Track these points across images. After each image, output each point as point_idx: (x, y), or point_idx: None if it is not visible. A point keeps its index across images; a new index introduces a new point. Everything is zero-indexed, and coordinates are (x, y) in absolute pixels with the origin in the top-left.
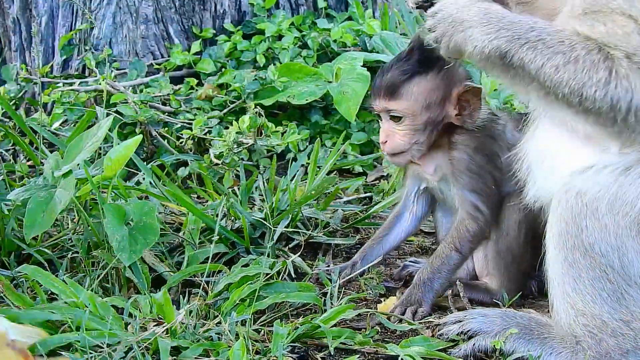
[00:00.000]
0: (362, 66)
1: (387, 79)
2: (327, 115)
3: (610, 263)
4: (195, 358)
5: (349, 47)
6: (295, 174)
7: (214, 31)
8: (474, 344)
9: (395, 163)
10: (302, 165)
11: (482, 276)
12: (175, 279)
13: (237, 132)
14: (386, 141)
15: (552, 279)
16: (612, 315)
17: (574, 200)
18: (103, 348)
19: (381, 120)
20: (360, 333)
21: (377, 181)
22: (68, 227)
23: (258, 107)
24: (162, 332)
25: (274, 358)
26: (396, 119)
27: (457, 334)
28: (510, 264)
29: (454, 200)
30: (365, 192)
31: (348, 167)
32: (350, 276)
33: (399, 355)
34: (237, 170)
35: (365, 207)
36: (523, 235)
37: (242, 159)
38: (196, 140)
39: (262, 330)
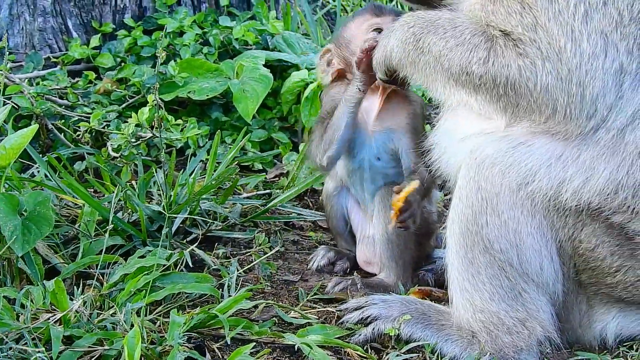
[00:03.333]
0: (264, 65)
1: None
2: (227, 112)
3: (509, 260)
4: (89, 347)
5: (251, 45)
6: (194, 169)
7: (114, 26)
8: (373, 329)
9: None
10: (202, 160)
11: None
12: (69, 270)
13: (136, 125)
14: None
15: (452, 274)
16: (508, 313)
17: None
18: None
19: None
20: (257, 324)
21: (277, 178)
22: None
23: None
24: (55, 321)
25: (170, 347)
26: None
27: (357, 322)
28: (405, 253)
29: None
30: (265, 189)
31: (248, 163)
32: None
33: (296, 345)
34: (136, 165)
35: (264, 201)
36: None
37: (140, 153)
38: (94, 134)
39: (158, 321)
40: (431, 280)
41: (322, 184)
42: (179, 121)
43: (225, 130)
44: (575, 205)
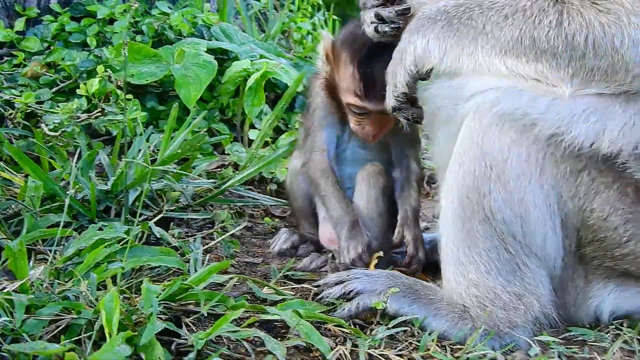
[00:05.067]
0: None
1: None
2: (162, 102)
3: (512, 232)
4: (57, 315)
5: (185, 36)
6: (140, 149)
7: (38, 10)
8: (358, 303)
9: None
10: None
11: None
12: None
13: (76, 108)
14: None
15: (446, 246)
16: (505, 287)
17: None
18: None
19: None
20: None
21: (219, 169)
22: None
23: (109, 70)
24: (15, 288)
25: (144, 317)
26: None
27: (339, 297)
28: (378, 233)
29: None
30: (208, 178)
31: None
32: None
33: (274, 320)
34: (74, 147)
35: (217, 182)
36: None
37: (82, 132)
38: (24, 116)
39: (125, 294)
40: (400, 262)
41: (272, 172)
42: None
43: (161, 120)
44: (604, 158)
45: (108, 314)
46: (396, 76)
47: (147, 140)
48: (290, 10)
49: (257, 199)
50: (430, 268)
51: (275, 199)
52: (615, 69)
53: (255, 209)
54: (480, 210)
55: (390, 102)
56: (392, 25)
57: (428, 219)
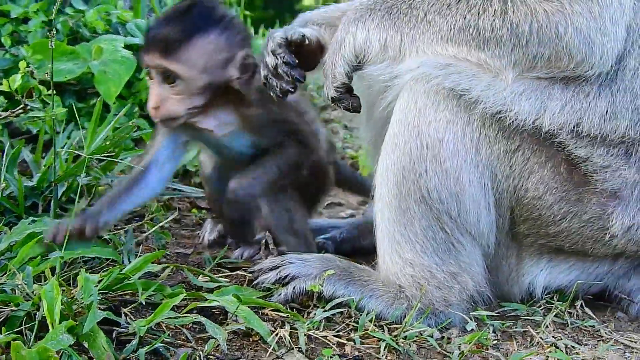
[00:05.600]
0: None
1: (165, 34)
2: (81, 99)
3: (447, 210)
4: None
5: (101, 33)
6: (64, 145)
7: None
8: (294, 287)
9: (166, 127)
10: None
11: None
12: None
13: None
14: (158, 106)
15: (381, 227)
16: (440, 266)
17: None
18: None
19: (151, 79)
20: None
21: None
22: None
23: (31, 65)
24: None
25: (81, 308)
26: (170, 80)
27: (274, 282)
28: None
29: (242, 150)
30: None
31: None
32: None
33: (211, 307)
34: None
35: None
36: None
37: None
38: None
39: (62, 286)
40: (331, 248)
41: (195, 165)
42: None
43: (81, 117)
44: (543, 133)
45: (49, 303)
46: (335, 67)
47: (69, 137)
48: None
49: (184, 191)
50: (359, 252)
51: (201, 190)
52: (559, 56)
53: (181, 202)
54: (417, 189)
55: (329, 92)
56: (282, 85)
57: (352, 206)
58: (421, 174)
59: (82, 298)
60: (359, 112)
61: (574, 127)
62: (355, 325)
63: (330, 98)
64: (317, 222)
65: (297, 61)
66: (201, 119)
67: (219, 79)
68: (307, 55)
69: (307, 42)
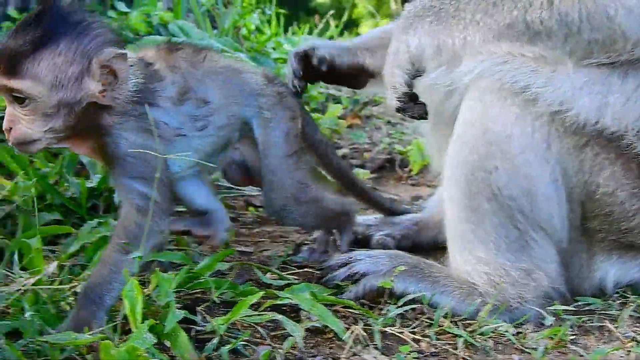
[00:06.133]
0: None
1: (6, 49)
2: None
3: (520, 207)
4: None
5: (142, 35)
6: None
7: None
8: (364, 285)
9: (27, 151)
10: None
11: None
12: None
13: None
14: (11, 128)
15: (451, 225)
16: (514, 264)
17: None
18: None
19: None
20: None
21: None
22: None
23: None
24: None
25: (159, 308)
26: (20, 100)
27: (344, 279)
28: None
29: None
30: None
31: None
32: None
33: (282, 305)
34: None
35: None
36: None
37: None
38: None
39: None
40: (392, 245)
41: None
42: None
43: None
44: (608, 134)
45: (131, 303)
46: (394, 77)
47: None
48: (243, 7)
49: (238, 189)
50: (419, 248)
51: (256, 188)
52: (613, 39)
53: (235, 200)
54: (487, 187)
55: (393, 103)
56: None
57: (406, 201)
58: (490, 172)
59: (157, 297)
60: (425, 119)
61: (636, 125)
62: (429, 321)
63: (394, 109)
64: (375, 218)
65: (301, 72)
66: (74, 144)
67: (74, 95)
68: (345, 75)
69: (324, 67)
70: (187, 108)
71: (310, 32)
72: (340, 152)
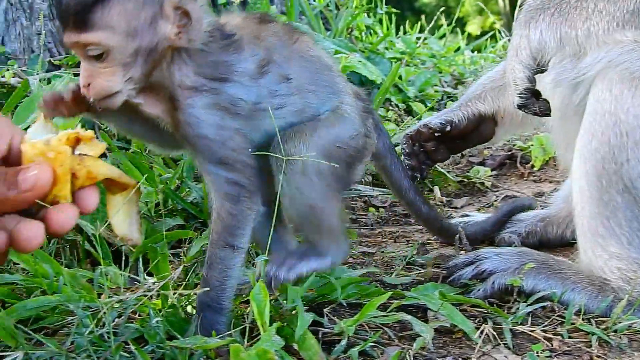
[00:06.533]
0: None
1: (72, 3)
2: None
3: None
4: None
5: None
6: None
7: None
8: (493, 283)
9: (109, 107)
10: None
11: None
12: (139, 249)
13: None
14: (89, 84)
15: (581, 219)
16: None
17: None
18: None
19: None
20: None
21: None
22: None
23: None
24: (158, 288)
25: (287, 311)
26: (97, 55)
27: (471, 278)
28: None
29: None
30: None
31: None
32: None
33: (408, 305)
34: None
35: None
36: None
37: None
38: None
39: None
40: (517, 242)
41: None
42: None
43: None
44: None
45: (259, 306)
46: (515, 73)
47: None
48: (355, 7)
49: (358, 190)
50: (546, 245)
51: (376, 189)
52: None
53: (354, 202)
54: (619, 180)
55: (514, 100)
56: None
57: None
58: (622, 164)
59: (284, 300)
60: (549, 115)
61: None
62: (560, 319)
63: (516, 105)
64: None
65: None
66: (146, 100)
67: (150, 40)
68: (467, 132)
69: (448, 127)
70: (266, 81)
71: (421, 31)
72: None
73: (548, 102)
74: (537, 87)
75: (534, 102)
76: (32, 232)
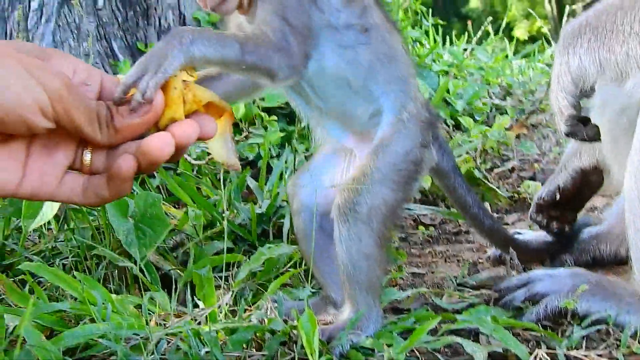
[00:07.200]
0: None
1: None
2: (291, 123)
3: None
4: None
5: None
6: (281, 171)
7: None
8: (546, 305)
9: (222, 12)
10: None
11: None
12: (187, 274)
13: None
14: None
15: (635, 237)
16: None
17: None
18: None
19: None
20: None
21: None
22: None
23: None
24: (205, 315)
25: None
26: None
27: (523, 300)
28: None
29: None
30: None
31: None
32: None
33: (459, 329)
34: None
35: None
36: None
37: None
38: None
39: None
40: (570, 260)
41: None
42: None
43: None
44: None
45: (307, 334)
46: (559, 101)
47: (286, 162)
48: (402, 19)
49: (410, 209)
50: (599, 263)
51: (424, 206)
52: None
53: (403, 220)
54: None
55: (562, 128)
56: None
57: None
58: None
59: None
60: (598, 140)
61: None
62: (616, 342)
63: (563, 134)
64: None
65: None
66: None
67: None
68: (579, 188)
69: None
70: (347, 13)
71: (468, 41)
72: (509, 165)
73: (597, 127)
74: (588, 112)
75: (581, 128)
76: (162, 141)
